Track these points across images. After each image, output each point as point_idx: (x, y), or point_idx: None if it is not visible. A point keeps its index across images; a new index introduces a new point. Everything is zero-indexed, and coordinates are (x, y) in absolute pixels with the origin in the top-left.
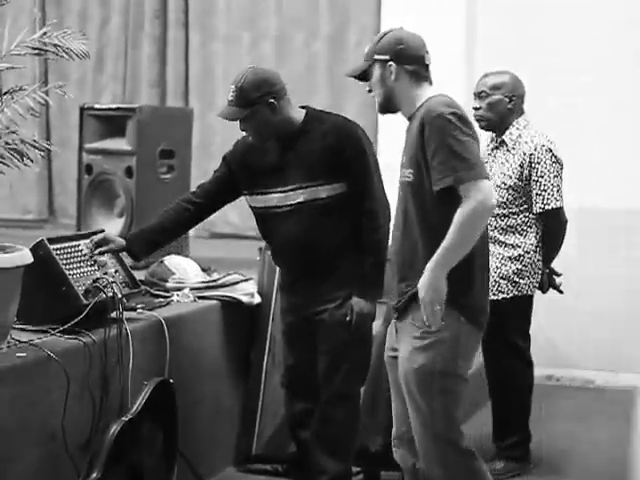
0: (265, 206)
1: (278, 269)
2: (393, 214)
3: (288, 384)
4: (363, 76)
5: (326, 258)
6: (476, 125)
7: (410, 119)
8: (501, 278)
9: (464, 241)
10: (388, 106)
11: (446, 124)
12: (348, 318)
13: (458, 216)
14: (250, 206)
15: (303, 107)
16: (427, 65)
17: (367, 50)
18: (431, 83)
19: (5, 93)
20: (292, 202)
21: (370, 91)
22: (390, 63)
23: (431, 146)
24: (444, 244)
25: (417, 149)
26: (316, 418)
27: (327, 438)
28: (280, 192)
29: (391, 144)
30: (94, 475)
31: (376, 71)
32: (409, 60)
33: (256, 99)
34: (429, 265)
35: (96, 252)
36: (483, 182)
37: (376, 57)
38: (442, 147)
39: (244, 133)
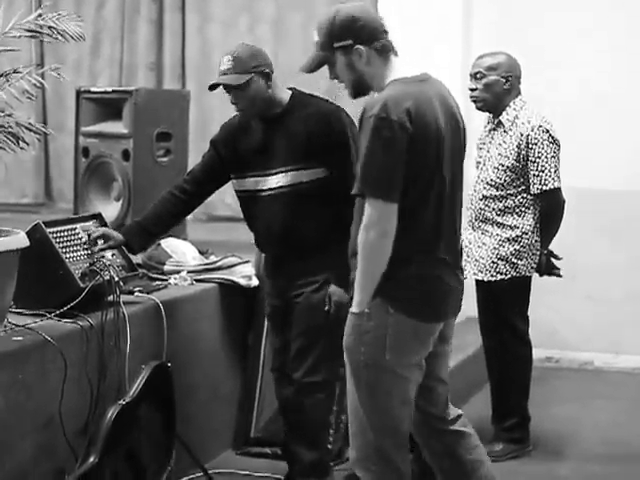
0: (249, 189)
1: None
2: None
3: (276, 368)
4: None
5: (307, 243)
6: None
7: None
8: (499, 259)
9: (368, 266)
10: (360, 90)
11: (372, 130)
12: (327, 307)
13: (358, 239)
14: (235, 190)
15: (289, 89)
16: (387, 31)
17: (320, 39)
18: (395, 52)
19: (0, 76)
20: (274, 186)
21: (334, 78)
22: (357, 47)
23: (358, 147)
24: (358, 269)
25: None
26: (288, 404)
27: (296, 427)
28: (262, 175)
29: None
30: (92, 459)
31: (340, 58)
32: (372, 35)
33: (253, 67)
34: (355, 284)
35: (96, 249)
36: (378, 202)
37: (336, 45)
38: (361, 153)
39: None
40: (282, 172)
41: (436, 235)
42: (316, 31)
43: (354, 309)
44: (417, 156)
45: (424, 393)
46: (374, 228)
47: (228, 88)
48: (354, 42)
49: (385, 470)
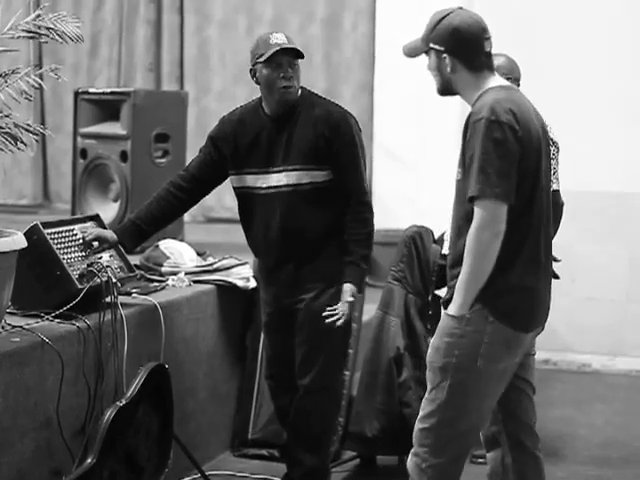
0: (249, 186)
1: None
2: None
3: (271, 376)
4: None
5: (305, 246)
6: None
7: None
8: None
9: (477, 267)
10: (446, 92)
11: (483, 132)
12: (338, 305)
13: (468, 241)
14: (234, 187)
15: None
16: (487, 52)
17: (424, 32)
18: (492, 70)
19: None
20: (274, 184)
21: (429, 69)
22: (445, 55)
23: (469, 151)
24: (462, 272)
25: (462, 149)
26: (292, 410)
27: (302, 431)
28: (263, 173)
29: (386, 126)
30: (89, 460)
31: (432, 58)
32: (465, 52)
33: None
34: (457, 287)
35: (90, 252)
36: (494, 202)
37: (431, 45)
38: (475, 156)
39: (235, 107)
40: (285, 171)
41: (537, 243)
42: (429, 19)
43: (454, 312)
44: (523, 159)
45: (514, 395)
46: (489, 229)
47: (295, 57)
48: (444, 50)
49: (434, 470)
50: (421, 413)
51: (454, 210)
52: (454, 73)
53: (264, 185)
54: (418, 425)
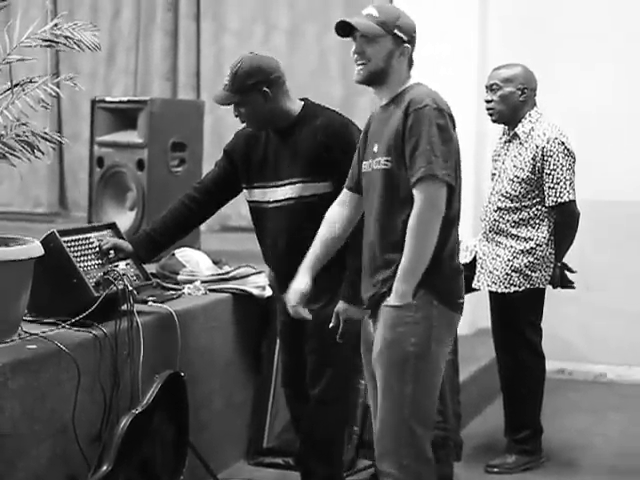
0: (258, 200)
1: None
2: None
3: (287, 384)
4: (350, 32)
5: None
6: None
7: (389, 104)
8: (513, 271)
9: (422, 249)
10: (375, 80)
11: (429, 119)
12: (333, 324)
13: (412, 224)
14: (247, 200)
15: (302, 99)
16: None
17: (383, 18)
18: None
19: (16, 85)
20: (280, 197)
21: (358, 52)
22: (407, 45)
23: (413, 137)
24: (405, 258)
25: (397, 137)
26: (304, 419)
27: (313, 440)
28: (270, 187)
29: None
30: (104, 468)
31: (387, 43)
32: (414, 47)
33: (249, 86)
34: (399, 274)
35: (107, 262)
36: (439, 184)
37: (397, 32)
38: (421, 141)
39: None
40: (289, 184)
41: (458, 226)
42: (377, 9)
43: (398, 302)
44: (457, 149)
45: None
46: (434, 209)
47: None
48: (407, 41)
49: (418, 464)
50: (386, 421)
51: (378, 199)
52: (401, 64)
53: (271, 199)
54: (387, 436)
